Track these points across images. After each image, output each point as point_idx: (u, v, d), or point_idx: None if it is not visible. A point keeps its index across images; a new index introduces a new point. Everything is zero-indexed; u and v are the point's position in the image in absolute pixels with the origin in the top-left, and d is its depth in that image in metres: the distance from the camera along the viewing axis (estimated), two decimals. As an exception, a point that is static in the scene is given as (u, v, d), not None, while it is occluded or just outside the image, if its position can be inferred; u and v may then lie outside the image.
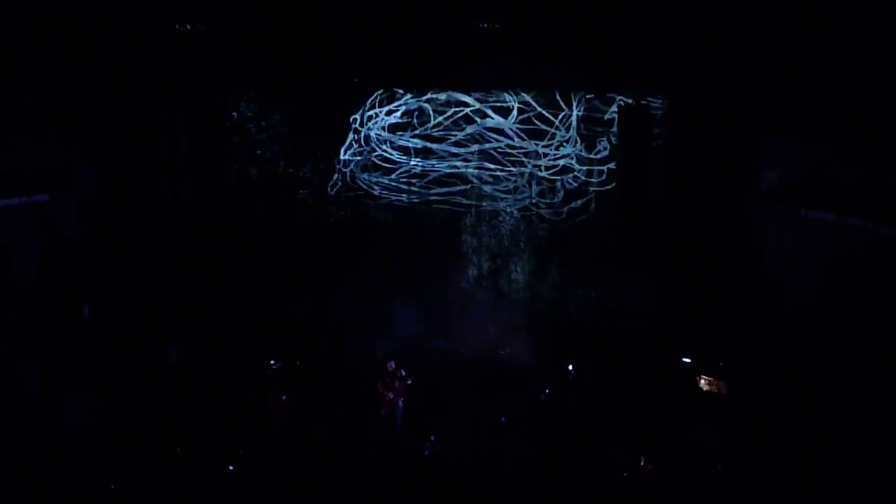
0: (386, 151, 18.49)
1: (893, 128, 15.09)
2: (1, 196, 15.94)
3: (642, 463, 13.46)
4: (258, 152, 18.37)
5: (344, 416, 15.24)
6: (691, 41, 16.36)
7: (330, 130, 18.41)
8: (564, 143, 18.22)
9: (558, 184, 18.43)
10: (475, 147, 18.31)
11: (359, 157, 18.58)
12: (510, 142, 18.31)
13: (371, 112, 18.36)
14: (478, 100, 18.13)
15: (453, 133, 18.34)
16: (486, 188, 18.55)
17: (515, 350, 16.93)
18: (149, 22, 16.16)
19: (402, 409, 15.11)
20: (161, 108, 17.39)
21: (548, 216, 18.49)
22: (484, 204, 18.56)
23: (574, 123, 18.09)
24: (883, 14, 14.69)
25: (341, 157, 18.55)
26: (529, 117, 18.16)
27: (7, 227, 16.04)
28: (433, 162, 18.50)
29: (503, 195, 18.57)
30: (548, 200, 18.48)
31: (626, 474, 13.32)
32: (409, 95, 18.13)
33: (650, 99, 17.54)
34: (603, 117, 18.04)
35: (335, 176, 18.61)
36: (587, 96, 17.93)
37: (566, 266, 18.43)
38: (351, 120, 18.35)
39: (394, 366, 15.19)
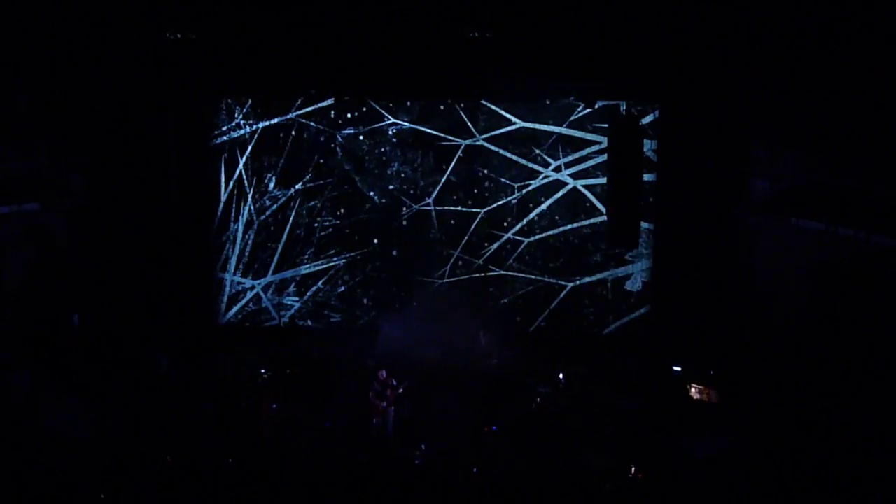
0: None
1: (883, 136, 15.14)
2: (-9, 205, 15.93)
3: (632, 471, 13.44)
4: (250, 161, 18.39)
5: (335, 425, 15.21)
6: (683, 50, 16.41)
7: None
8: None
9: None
10: None
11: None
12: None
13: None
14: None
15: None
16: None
17: (506, 359, 16.91)
18: (139, 31, 16.14)
19: (394, 417, 15.08)
20: (152, 118, 17.37)
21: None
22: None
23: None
24: (872, 24, 14.75)
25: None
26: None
27: (-3, 236, 16.03)
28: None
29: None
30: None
31: (615, 482, 13.31)
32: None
33: (640, 108, 17.66)
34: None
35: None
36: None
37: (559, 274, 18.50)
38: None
39: (385, 374, 15.17)
